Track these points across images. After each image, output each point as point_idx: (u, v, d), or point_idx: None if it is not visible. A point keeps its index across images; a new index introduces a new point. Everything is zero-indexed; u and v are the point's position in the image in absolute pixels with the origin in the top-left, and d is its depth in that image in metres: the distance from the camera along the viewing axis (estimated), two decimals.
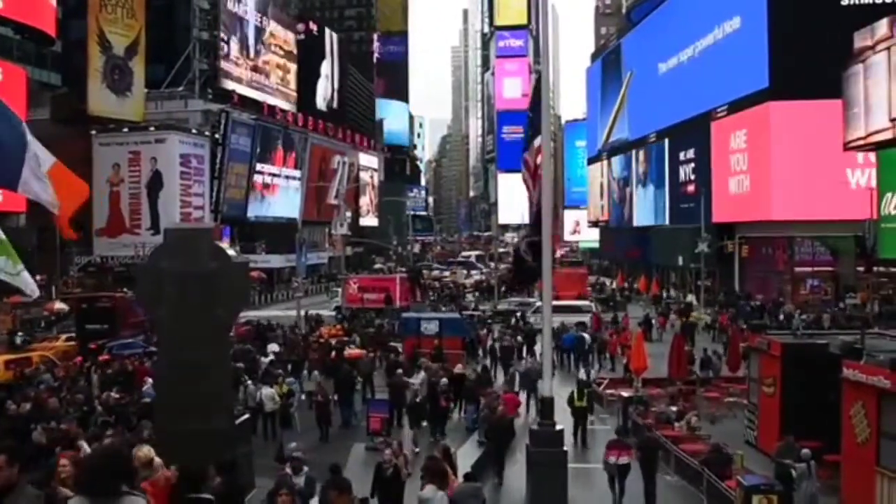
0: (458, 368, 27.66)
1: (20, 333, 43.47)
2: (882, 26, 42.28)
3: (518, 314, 48.04)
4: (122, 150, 68.62)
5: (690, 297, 60.11)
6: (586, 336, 36.95)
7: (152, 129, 70.43)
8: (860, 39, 44.50)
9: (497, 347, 36.17)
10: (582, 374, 27.65)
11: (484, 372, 28.54)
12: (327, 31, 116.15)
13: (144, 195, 69.13)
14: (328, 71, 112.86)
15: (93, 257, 66.48)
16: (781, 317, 45.43)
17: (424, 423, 23.79)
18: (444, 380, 25.64)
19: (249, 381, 25.05)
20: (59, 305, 49.37)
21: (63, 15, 65.85)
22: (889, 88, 41.37)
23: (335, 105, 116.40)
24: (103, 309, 39.31)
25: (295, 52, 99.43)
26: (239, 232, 77.54)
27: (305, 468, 14.39)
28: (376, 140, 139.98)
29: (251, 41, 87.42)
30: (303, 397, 26.44)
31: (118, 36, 68.11)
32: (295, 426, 24.44)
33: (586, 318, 43.23)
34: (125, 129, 69.45)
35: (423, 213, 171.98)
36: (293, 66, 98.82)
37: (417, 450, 20.27)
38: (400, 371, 26.82)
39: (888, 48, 41.48)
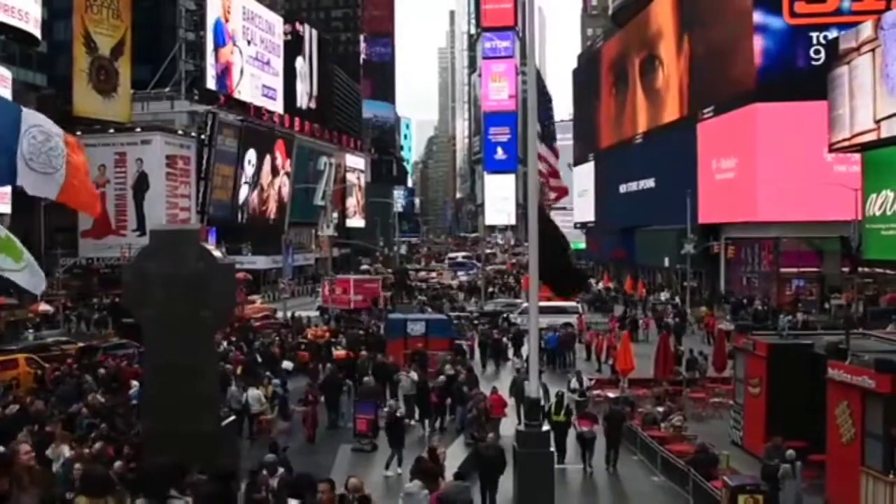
0: (448, 370, 27.53)
1: (30, 330, 43.42)
2: (867, 28, 42.50)
3: (504, 315, 48.13)
4: (107, 151, 68.32)
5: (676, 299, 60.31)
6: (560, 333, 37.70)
7: (138, 130, 70.25)
8: (845, 41, 44.73)
9: (487, 343, 37.07)
10: (574, 383, 27.27)
11: (470, 373, 28.52)
12: (306, 27, 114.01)
13: (130, 196, 68.93)
14: (305, 69, 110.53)
15: (78, 259, 66.15)
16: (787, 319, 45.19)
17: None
18: (442, 377, 25.83)
19: (233, 383, 24.95)
20: (44, 307, 49.04)
21: (48, 15, 65.65)
22: (874, 90, 41.59)
23: (313, 104, 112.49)
24: None
25: (282, 52, 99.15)
26: (225, 233, 77.28)
27: (280, 470, 14.32)
28: (363, 141, 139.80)
29: (238, 41, 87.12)
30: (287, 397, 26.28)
31: (104, 36, 67.88)
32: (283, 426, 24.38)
33: (573, 319, 43.35)
34: (111, 130, 69.22)
35: (410, 214, 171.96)
36: (280, 67, 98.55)
37: (400, 471, 19.72)
38: (368, 378, 26.57)
39: (873, 50, 41.70)
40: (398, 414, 21.88)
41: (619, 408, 23.09)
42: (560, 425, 21.32)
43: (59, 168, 13.00)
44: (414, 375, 26.27)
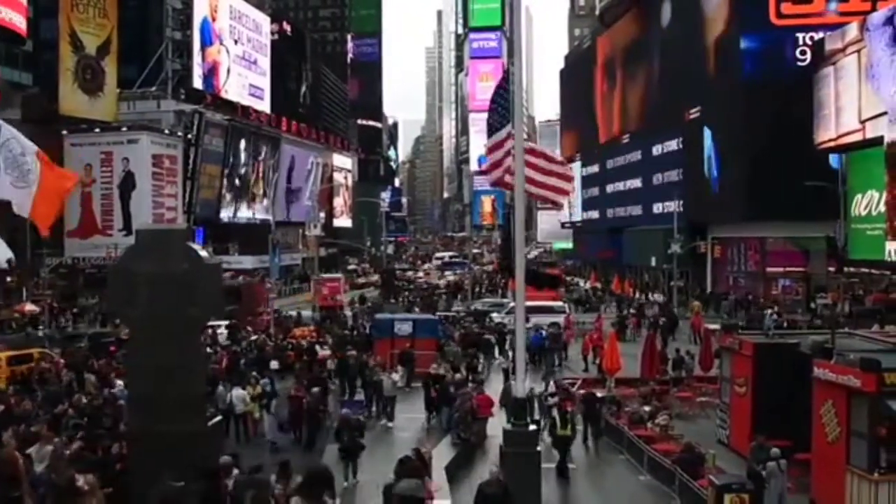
0: (434, 368, 27.50)
1: (39, 327, 43.25)
2: (853, 29, 42.73)
3: (489, 315, 48.14)
4: (93, 151, 67.92)
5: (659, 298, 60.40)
6: (543, 333, 37.49)
7: (125, 129, 69.79)
8: (831, 42, 44.96)
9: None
10: (552, 387, 27.05)
11: (459, 371, 28.51)
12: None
13: (116, 196, 68.49)
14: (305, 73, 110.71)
15: (64, 258, 65.77)
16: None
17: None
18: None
19: (220, 383, 24.80)
20: (30, 307, 48.80)
21: (34, 14, 65.24)
22: (859, 90, 41.84)
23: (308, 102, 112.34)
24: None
25: (269, 52, 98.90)
26: (212, 233, 77.01)
27: (235, 471, 14.19)
28: (349, 140, 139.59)
29: (225, 40, 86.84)
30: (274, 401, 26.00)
31: (90, 35, 67.50)
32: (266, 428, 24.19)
33: (560, 319, 43.30)
34: (97, 130, 68.79)
35: (397, 213, 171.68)
36: (267, 67, 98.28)
37: (355, 480, 19.23)
38: (316, 390, 25.03)
39: (858, 51, 41.94)
40: (358, 418, 21.78)
41: (593, 391, 25.45)
42: (565, 439, 21.16)
43: (31, 184, 12.96)
44: (395, 376, 26.19)
